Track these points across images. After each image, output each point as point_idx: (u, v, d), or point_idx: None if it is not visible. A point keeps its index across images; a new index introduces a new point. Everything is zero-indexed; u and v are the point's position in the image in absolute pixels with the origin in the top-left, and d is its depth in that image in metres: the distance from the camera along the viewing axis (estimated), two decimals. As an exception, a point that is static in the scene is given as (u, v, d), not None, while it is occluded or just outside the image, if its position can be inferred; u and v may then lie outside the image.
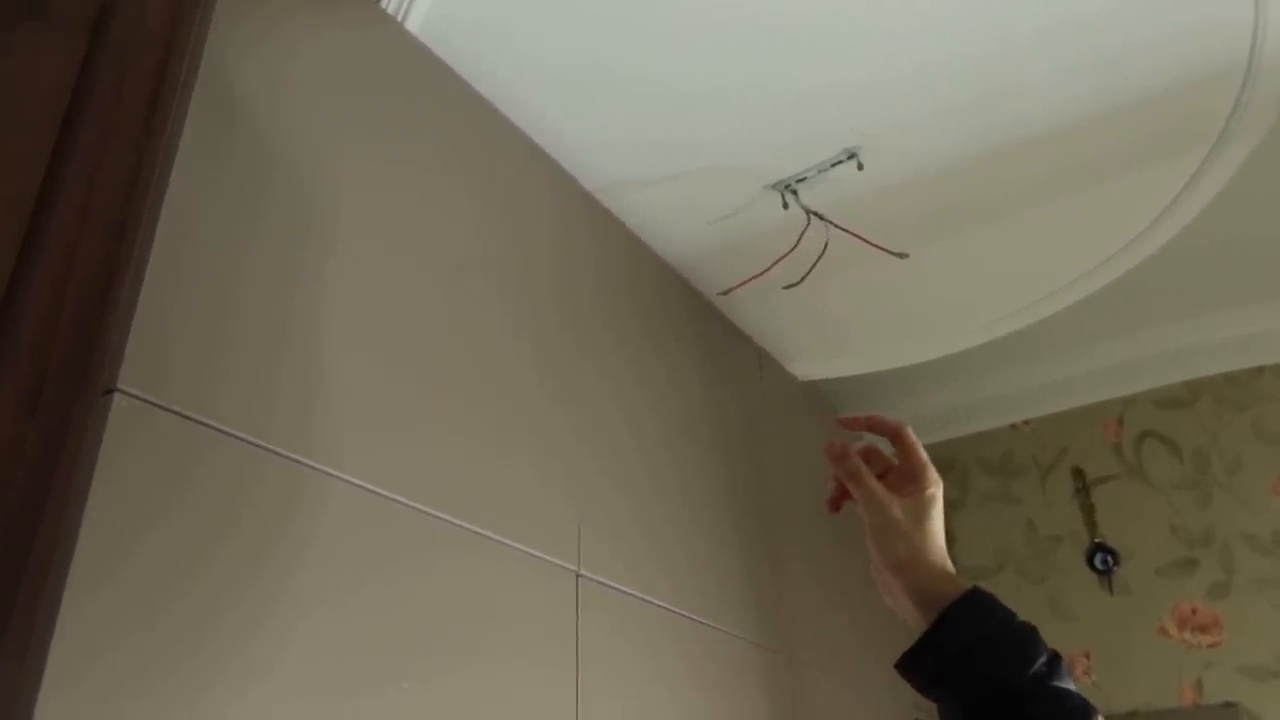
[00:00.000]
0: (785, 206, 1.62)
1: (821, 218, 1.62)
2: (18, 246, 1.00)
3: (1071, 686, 0.71)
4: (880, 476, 0.85)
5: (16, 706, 0.66)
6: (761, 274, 1.64)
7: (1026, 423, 2.85)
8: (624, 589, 1.30)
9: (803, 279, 1.66)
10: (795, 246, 1.59)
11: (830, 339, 2.04)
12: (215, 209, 0.91)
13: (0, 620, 0.74)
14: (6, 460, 0.85)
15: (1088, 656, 2.53)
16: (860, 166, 1.57)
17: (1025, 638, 0.74)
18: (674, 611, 1.39)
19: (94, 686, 0.69)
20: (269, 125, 0.99)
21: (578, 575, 1.22)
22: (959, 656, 0.73)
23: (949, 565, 0.82)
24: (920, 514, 0.82)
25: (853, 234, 1.62)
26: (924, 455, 0.85)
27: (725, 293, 1.74)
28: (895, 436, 0.88)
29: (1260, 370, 2.58)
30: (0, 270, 0.99)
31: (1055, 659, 0.72)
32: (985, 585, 2.49)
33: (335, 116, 1.08)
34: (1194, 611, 2.47)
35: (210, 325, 0.87)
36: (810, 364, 2.05)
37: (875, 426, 0.89)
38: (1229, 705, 2.35)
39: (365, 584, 0.92)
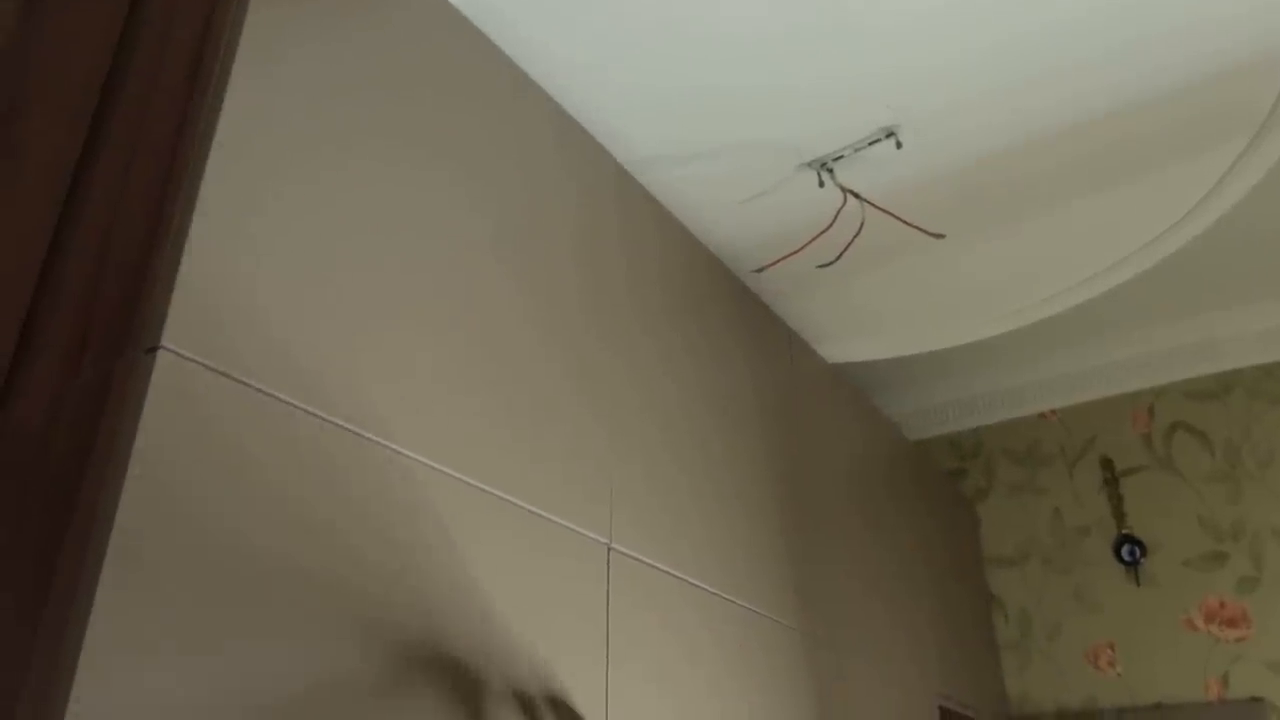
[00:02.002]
0: (821, 185, 1.60)
1: (858, 197, 1.61)
2: (61, 206, 1.00)
3: None
4: None
5: (61, 663, 0.66)
6: (795, 252, 1.63)
7: (1054, 412, 2.83)
8: (654, 564, 1.29)
9: (837, 258, 1.65)
10: (831, 225, 1.58)
11: (861, 322, 2.03)
12: (257, 168, 0.91)
13: (44, 578, 0.74)
14: (50, 418, 0.85)
15: (1112, 648, 2.51)
16: (899, 145, 1.55)
17: None
18: (702, 588, 1.38)
19: (137, 643, 0.69)
20: (308, 89, 0.99)
21: (609, 548, 1.21)
22: None
23: None
24: None
25: (889, 213, 1.61)
26: None
27: (759, 270, 1.72)
28: None
29: (1295, 362, 2.55)
30: (44, 230, 1.00)
31: None
32: (1012, 574, 2.46)
33: (370, 81, 1.07)
34: (1222, 605, 2.45)
35: (253, 286, 0.87)
36: (840, 347, 2.04)
37: None
38: (1256, 700, 2.33)
39: (405, 548, 0.92)
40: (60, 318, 0.92)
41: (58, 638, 0.69)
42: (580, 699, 1.09)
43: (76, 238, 0.96)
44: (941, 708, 2.11)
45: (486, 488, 1.04)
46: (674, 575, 1.33)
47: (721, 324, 1.68)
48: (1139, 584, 2.54)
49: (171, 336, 0.79)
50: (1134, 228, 1.94)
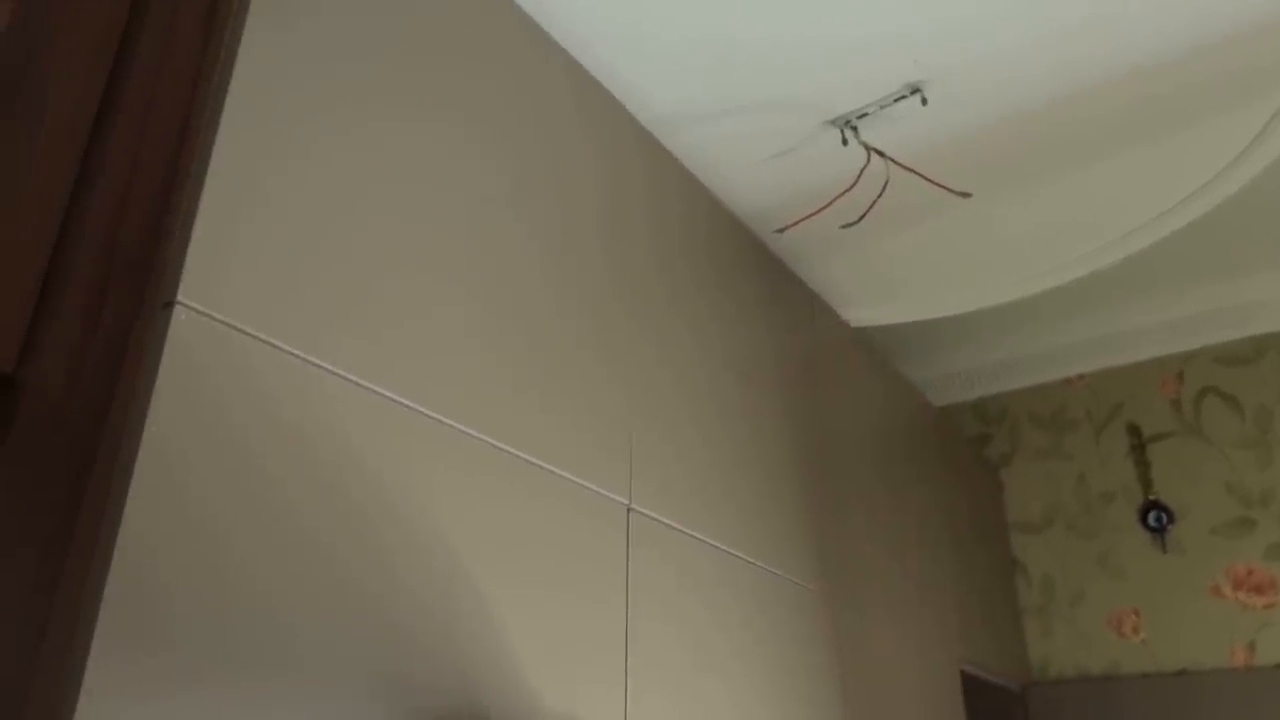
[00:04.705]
0: (845, 143, 1.58)
1: (882, 155, 1.58)
2: (77, 165, 1.00)
3: None
4: None
5: (79, 622, 0.66)
6: (819, 211, 1.60)
7: (1081, 377, 2.80)
8: (674, 524, 1.29)
9: (861, 218, 1.62)
10: (855, 184, 1.55)
11: (885, 285, 2.00)
12: (272, 125, 0.90)
13: (64, 536, 0.74)
14: (69, 375, 0.85)
15: (1138, 614, 2.49)
16: (924, 102, 1.52)
17: None
18: (723, 550, 1.38)
19: (154, 601, 0.69)
20: (322, 46, 0.97)
21: (629, 509, 1.21)
22: None
23: None
24: None
25: (914, 172, 1.58)
26: None
27: (781, 230, 1.70)
28: None
29: (1330, 327, 2.51)
30: (61, 190, 0.99)
31: None
32: (1035, 540, 2.45)
33: (386, 37, 1.05)
34: (1250, 572, 2.42)
35: (269, 243, 0.86)
36: (863, 310, 2.01)
37: None
38: (1283, 667, 2.32)
39: (425, 507, 0.92)
40: (79, 276, 0.92)
41: (77, 591, 0.69)
42: (600, 658, 1.09)
43: (94, 196, 0.96)
44: (964, 672, 2.11)
45: (507, 447, 1.04)
46: (694, 536, 1.32)
47: (742, 286, 1.66)
48: (1165, 551, 2.51)
49: (187, 292, 0.79)
50: (1165, 187, 1.90)
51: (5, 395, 0.90)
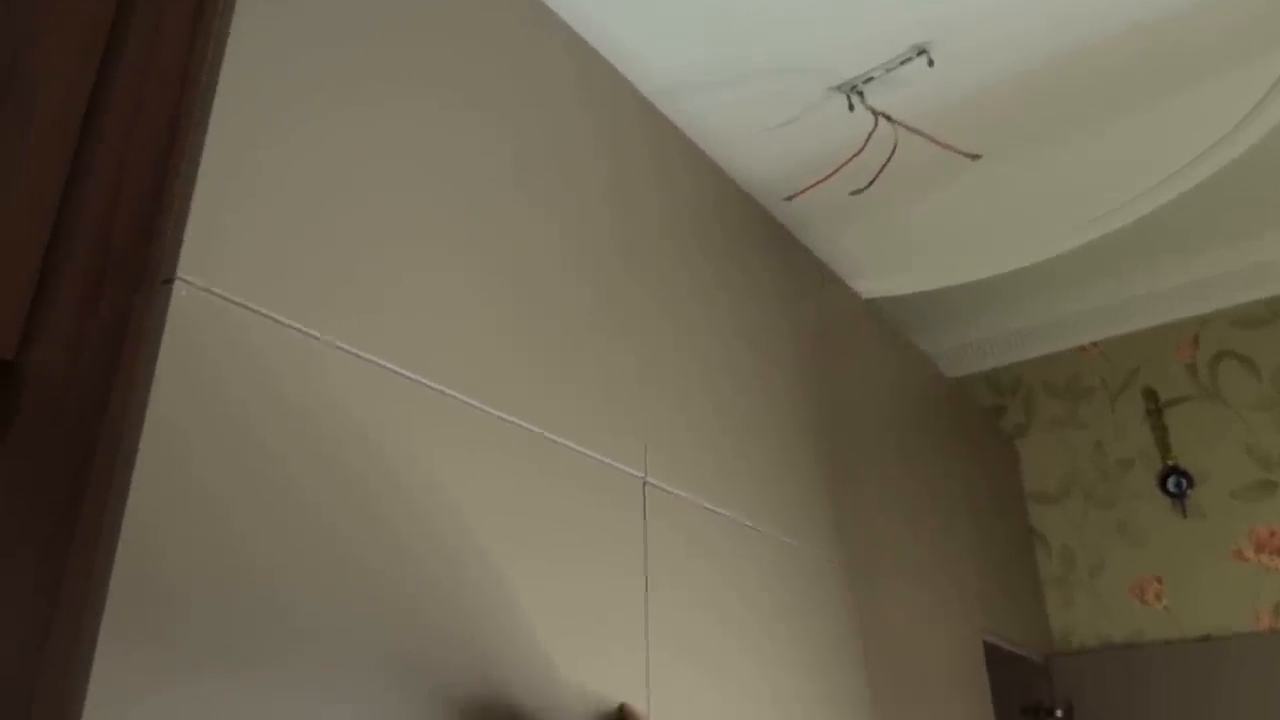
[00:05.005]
0: (851, 109, 1.55)
1: (889, 119, 1.55)
2: (71, 151, 0.98)
3: None
4: None
5: (86, 612, 0.65)
6: (827, 178, 1.58)
7: (1095, 345, 2.77)
8: (690, 497, 1.27)
9: (870, 184, 1.60)
10: (862, 149, 1.52)
11: (895, 254, 1.97)
12: (268, 100, 0.88)
13: (68, 525, 0.73)
14: (70, 360, 0.84)
15: (1160, 581, 2.47)
16: (931, 63, 1.49)
17: None
18: (740, 522, 1.36)
19: (161, 587, 0.68)
20: (318, 20, 0.95)
21: (644, 482, 1.19)
22: None
23: None
24: None
25: (922, 134, 1.55)
26: None
27: (789, 198, 1.67)
28: None
29: (1347, 284, 2.48)
30: (57, 171, 0.98)
31: None
32: (1053, 511, 2.43)
33: (382, 9, 1.03)
34: (1272, 534, 2.39)
35: (268, 216, 0.84)
36: (874, 281, 1.99)
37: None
38: (1308, 629, 2.29)
39: (433, 483, 0.90)
40: (77, 258, 0.90)
41: (83, 573, 0.68)
42: (619, 631, 1.07)
43: (90, 177, 0.94)
44: (987, 643, 2.09)
45: (517, 420, 1.02)
46: (711, 509, 1.30)
47: (751, 257, 1.64)
48: (1185, 516, 2.49)
49: (186, 267, 0.77)
50: (1176, 146, 1.87)
51: (7, 383, 0.89)
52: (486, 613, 0.91)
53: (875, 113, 1.54)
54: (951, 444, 2.28)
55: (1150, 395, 2.64)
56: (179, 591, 0.69)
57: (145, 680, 0.65)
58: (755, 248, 1.65)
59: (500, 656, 0.91)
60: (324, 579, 0.78)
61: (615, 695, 1.02)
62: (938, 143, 1.56)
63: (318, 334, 0.84)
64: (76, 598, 0.67)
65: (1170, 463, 2.54)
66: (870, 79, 1.52)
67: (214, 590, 0.71)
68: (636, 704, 1.04)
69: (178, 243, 0.78)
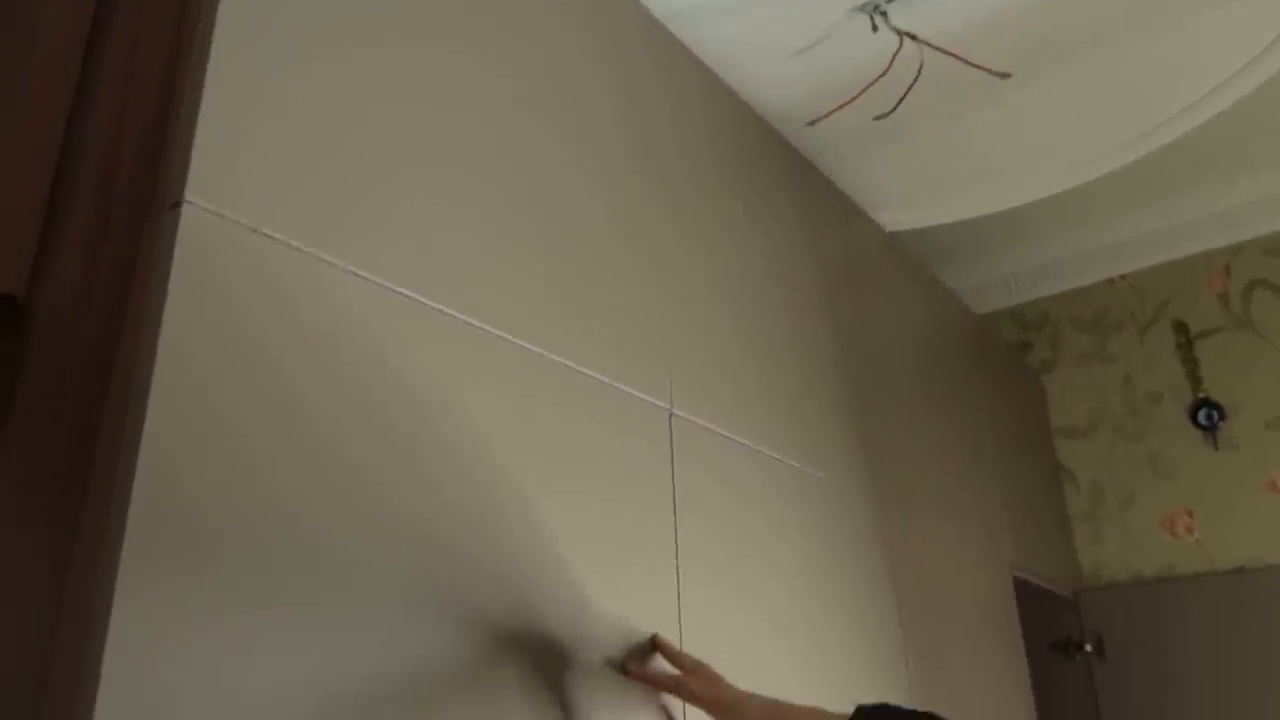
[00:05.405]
0: (874, 29, 1.49)
1: (914, 38, 1.49)
2: (74, 80, 0.95)
3: None
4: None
5: (105, 546, 0.63)
6: (851, 100, 1.53)
7: (1124, 277, 2.71)
8: (716, 429, 1.24)
9: (895, 107, 1.54)
10: (887, 70, 1.47)
11: (920, 184, 1.92)
12: (274, 19, 0.84)
13: (85, 458, 0.71)
14: (80, 291, 0.82)
15: (1190, 514, 2.44)
16: (957, -21, 1.43)
17: None
18: (766, 453, 1.33)
19: (181, 517, 0.66)
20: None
21: (670, 414, 1.17)
22: None
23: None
24: None
25: (949, 53, 1.49)
26: (710, 701, 0.93)
27: (813, 123, 1.62)
28: (674, 694, 0.97)
29: (1385, 207, 2.41)
30: (58, 107, 0.95)
31: None
32: (1082, 445, 2.41)
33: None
34: (1306, 465, 2.36)
35: (277, 140, 0.81)
36: (899, 213, 1.94)
37: (654, 682, 0.96)
38: (1342, 560, 2.26)
39: (458, 412, 0.88)
40: (82, 192, 0.88)
41: (102, 505, 0.66)
42: (650, 560, 1.05)
43: (93, 107, 0.91)
44: (1015, 578, 2.07)
45: (544, 351, 1.00)
46: (737, 441, 1.28)
47: (772, 187, 1.59)
48: (1217, 448, 2.45)
49: (194, 190, 0.74)
50: (1208, 66, 1.80)
51: (18, 321, 0.87)
52: (516, 543, 0.89)
53: (900, 33, 1.49)
54: (978, 380, 2.25)
55: (1180, 328, 2.59)
56: (200, 524, 0.67)
57: (167, 616, 0.63)
58: (776, 178, 1.61)
59: (532, 586, 0.89)
60: (348, 508, 0.76)
61: (647, 625, 1.01)
62: (966, 61, 1.51)
63: (335, 260, 0.82)
64: (95, 537, 0.65)
65: (1201, 395, 2.50)
66: (894, -2, 1.46)
67: (236, 521, 0.69)
68: (668, 635, 1.02)
69: (184, 167, 0.75)
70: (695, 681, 0.94)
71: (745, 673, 0.99)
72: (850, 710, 0.81)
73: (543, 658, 0.88)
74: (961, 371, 2.16)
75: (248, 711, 0.65)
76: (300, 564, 0.72)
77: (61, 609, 0.66)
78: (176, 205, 0.74)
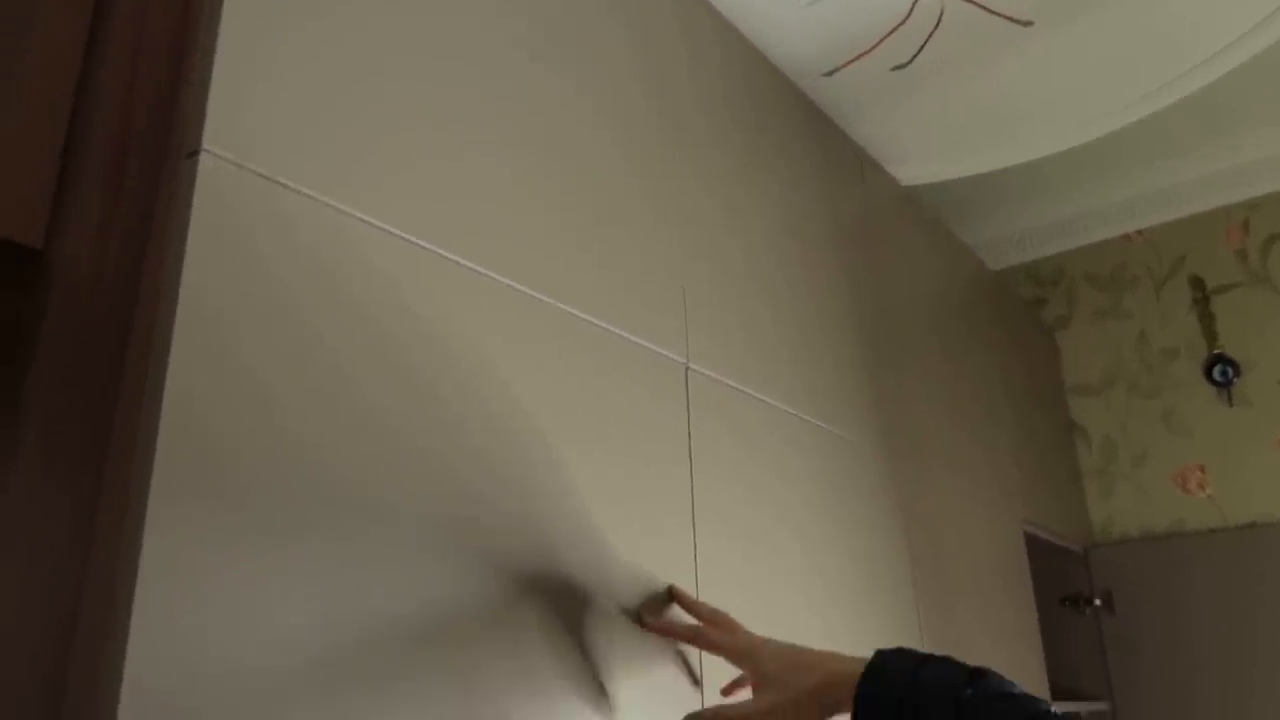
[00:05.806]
0: (893, -23, 1.46)
1: (935, -14, 1.47)
2: (88, 25, 0.94)
3: (1013, 691, 0.74)
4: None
5: (131, 495, 0.64)
6: (870, 50, 1.50)
7: (1140, 233, 2.68)
8: (732, 383, 1.24)
9: (914, 57, 1.52)
10: (907, 17, 1.45)
11: (937, 137, 1.90)
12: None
13: (108, 409, 0.71)
14: (98, 241, 0.82)
15: (1203, 470, 2.44)
16: (979, -76, 1.40)
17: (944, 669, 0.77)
18: (782, 408, 1.33)
19: (206, 465, 0.66)
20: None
21: (687, 368, 1.16)
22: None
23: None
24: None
25: (972, 1, 1.47)
26: (727, 649, 0.94)
27: (830, 73, 1.60)
28: (692, 643, 0.98)
29: None
30: (71, 56, 0.94)
31: (979, 674, 0.76)
32: (1095, 403, 2.41)
33: None
34: (1320, 421, 2.35)
35: (296, 88, 0.80)
36: (915, 167, 1.92)
37: (671, 632, 0.97)
38: (1356, 515, 2.26)
39: (478, 361, 0.88)
40: (98, 140, 0.87)
41: (126, 457, 0.66)
42: (666, 511, 1.06)
43: (107, 54, 0.90)
44: (1026, 533, 2.08)
45: (561, 304, 0.99)
46: (753, 395, 1.28)
47: (789, 139, 1.57)
48: (1231, 404, 2.44)
49: (211, 138, 0.74)
50: (1230, 16, 1.76)
51: (37, 273, 0.87)
52: (537, 489, 0.90)
53: (920, -20, 1.46)
54: (992, 336, 2.24)
55: (1197, 283, 2.57)
56: (225, 467, 0.67)
57: (196, 560, 0.64)
58: (792, 130, 1.59)
59: (552, 530, 0.90)
60: (371, 450, 0.77)
61: (664, 576, 1.02)
62: (987, 9, 1.48)
63: (356, 211, 0.81)
64: (121, 484, 0.65)
65: (1216, 351, 2.48)
66: (914, -55, 1.43)
67: (261, 463, 0.69)
68: (685, 586, 1.03)
69: (201, 115, 0.74)
70: (713, 630, 0.95)
71: (760, 624, 1.00)
72: (869, 655, 0.82)
73: (563, 602, 0.89)
74: (976, 327, 2.15)
75: (274, 650, 0.66)
76: (324, 506, 0.72)
77: (88, 558, 0.67)
78: (194, 154, 0.73)
